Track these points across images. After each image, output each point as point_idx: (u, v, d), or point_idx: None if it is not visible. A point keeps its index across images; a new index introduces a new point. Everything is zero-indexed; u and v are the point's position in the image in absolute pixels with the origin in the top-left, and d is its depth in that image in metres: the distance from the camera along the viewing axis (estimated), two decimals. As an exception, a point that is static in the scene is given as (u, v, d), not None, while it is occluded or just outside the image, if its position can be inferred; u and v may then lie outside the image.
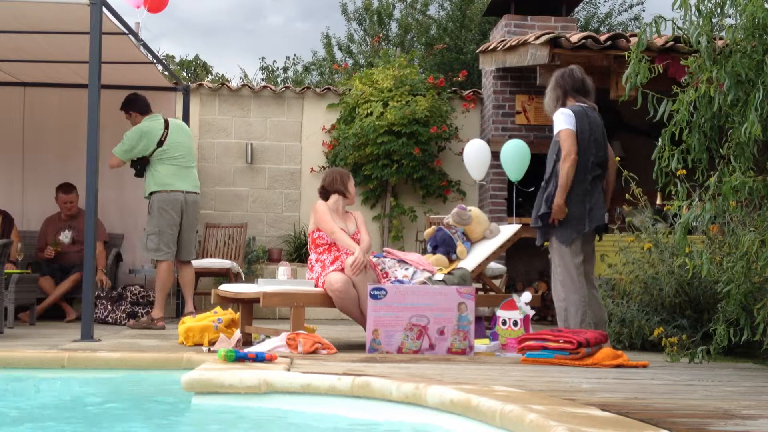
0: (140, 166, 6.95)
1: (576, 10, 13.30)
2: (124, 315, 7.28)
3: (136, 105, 7.07)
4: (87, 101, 5.77)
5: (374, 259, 5.86)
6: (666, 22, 4.12)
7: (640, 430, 2.50)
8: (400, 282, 5.55)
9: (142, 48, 7.07)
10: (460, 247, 6.17)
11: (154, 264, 8.13)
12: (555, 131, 5.19)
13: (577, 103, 5.23)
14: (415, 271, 5.74)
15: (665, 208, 6.24)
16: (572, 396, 3.28)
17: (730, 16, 4.15)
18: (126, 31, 6.50)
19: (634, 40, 5.68)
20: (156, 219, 6.78)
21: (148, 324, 6.76)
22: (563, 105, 5.26)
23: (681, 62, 4.37)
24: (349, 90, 9.46)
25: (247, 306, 5.74)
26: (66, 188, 7.93)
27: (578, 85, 5.24)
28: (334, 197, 5.81)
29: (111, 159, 6.97)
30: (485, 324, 6.19)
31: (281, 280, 5.72)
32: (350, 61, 15.59)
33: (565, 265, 5.17)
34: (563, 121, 5.13)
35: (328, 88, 9.66)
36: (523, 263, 9.00)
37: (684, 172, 4.35)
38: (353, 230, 5.75)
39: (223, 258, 8.59)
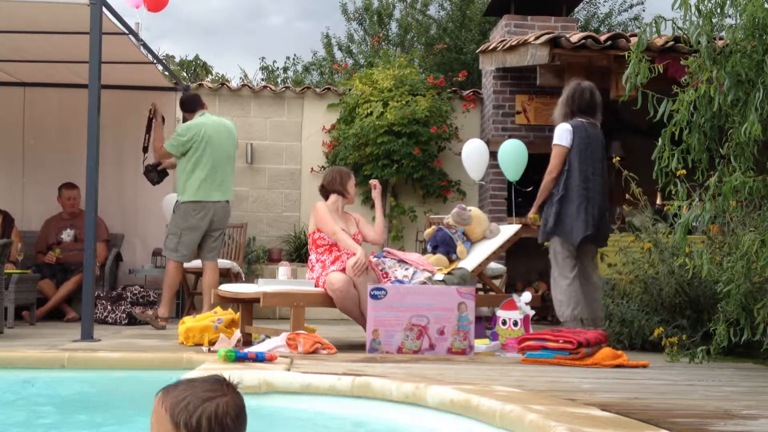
0: (157, 176, 6.93)
1: (576, 10, 13.29)
2: (124, 315, 7.28)
3: (184, 106, 6.93)
4: (87, 101, 5.77)
5: (374, 260, 5.86)
6: (666, 22, 4.12)
7: (640, 430, 2.50)
8: (400, 282, 5.55)
9: (142, 48, 7.08)
10: (460, 247, 6.17)
11: (155, 264, 8.19)
12: (552, 142, 5.68)
13: (579, 119, 5.67)
14: (415, 271, 5.74)
15: (665, 208, 6.24)
16: (572, 396, 3.28)
17: (730, 16, 4.15)
18: (126, 31, 6.50)
19: (634, 40, 5.69)
20: (179, 220, 6.65)
21: (152, 319, 6.74)
22: (569, 120, 5.72)
23: (681, 62, 4.37)
24: (349, 90, 9.46)
25: (247, 306, 5.74)
26: (68, 185, 7.98)
27: (584, 106, 5.70)
28: (333, 197, 5.82)
29: (161, 149, 6.83)
30: (485, 324, 6.19)
31: (281, 280, 5.72)
32: (350, 61, 15.59)
33: (558, 263, 5.63)
34: (559, 136, 5.63)
35: (328, 88, 9.66)
36: (523, 263, 9.00)
37: (684, 172, 4.35)
38: (353, 231, 5.75)
39: (223, 258, 8.58)
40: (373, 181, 6.01)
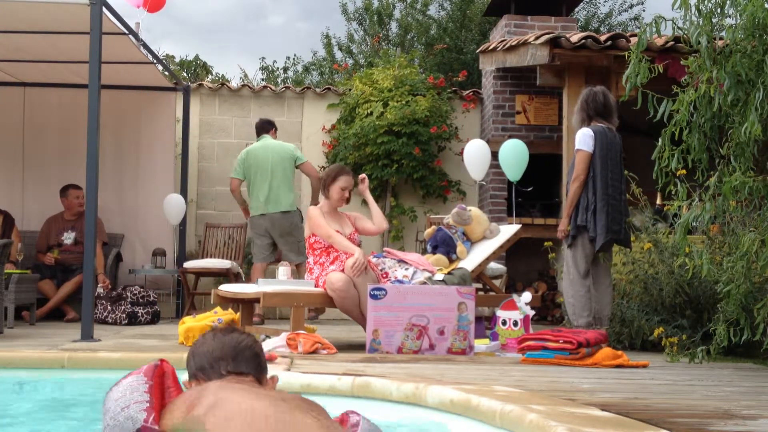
0: None
1: (576, 10, 13.29)
2: (124, 315, 7.28)
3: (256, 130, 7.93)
4: (87, 101, 5.77)
5: (374, 260, 5.86)
6: (666, 22, 4.12)
7: (640, 430, 2.50)
8: (400, 282, 5.55)
9: (142, 48, 7.08)
10: (460, 247, 6.17)
11: (155, 264, 8.22)
12: (575, 149, 5.68)
13: (599, 124, 5.67)
14: (415, 271, 5.74)
15: (665, 208, 6.24)
16: (572, 396, 3.28)
17: (730, 16, 4.15)
18: (126, 31, 6.51)
19: (634, 40, 5.70)
20: (251, 230, 7.82)
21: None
22: (588, 126, 5.71)
23: (681, 62, 4.37)
24: (349, 90, 9.46)
25: (247, 306, 5.74)
26: (75, 185, 7.95)
27: (600, 109, 5.71)
28: (322, 199, 5.86)
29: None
30: (485, 324, 6.19)
31: (281, 280, 5.72)
32: (350, 61, 15.59)
33: (576, 268, 5.57)
34: (582, 141, 5.61)
35: (328, 88, 9.66)
36: (523, 263, 9.00)
37: (684, 172, 4.35)
38: (348, 231, 5.76)
39: (223, 258, 8.60)
40: (362, 175, 6.02)
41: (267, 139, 7.74)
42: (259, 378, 2.12)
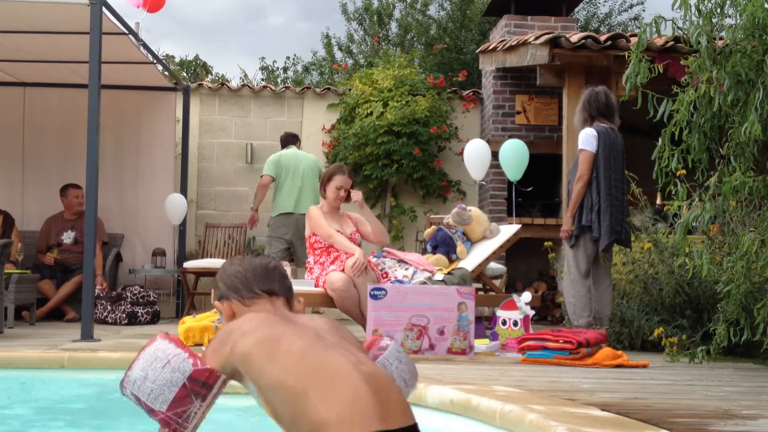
0: None
1: (576, 10, 13.29)
2: (124, 315, 7.28)
3: (281, 143, 8.23)
4: (87, 101, 5.77)
5: (374, 260, 5.86)
6: (666, 22, 4.12)
7: (640, 430, 2.50)
8: (400, 282, 5.55)
9: (142, 48, 7.08)
10: (460, 247, 6.17)
11: (155, 264, 8.22)
12: (578, 149, 5.65)
13: (601, 124, 5.64)
14: (415, 271, 5.74)
15: (665, 208, 6.24)
16: (572, 396, 3.28)
17: (730, 16, 4.15)
18: (126, 31, 6.51)
19: (634, 40, 5.69)
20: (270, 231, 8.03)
21: None
22: (590, 126, 5.69)
23: (681, 62, 4.37)
24: (349, 90, 9.46)
25: (247, 306, 5.73)
26: (75, 185, 7.95)
27: (602, 110, 5.69)
28: (322, 199, 5.86)
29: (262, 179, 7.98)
30: (485, 324, 6.19)
31: (281, 280, 5.71)
32: (350, 61, 15.59)
33: (577, 268, 5.53)
34: (585, 141, 5.58)
35: (328, 88, 9.66)
36: (523, 263, 9.00)
37: (684, 172, 4.35)
38: (349, 231, 5.75)
39: (223, 258, 8.59)
40: (356, 196, 5.81)
41: (295, 149, 8.05)
42: (289, 299, 2.19)
